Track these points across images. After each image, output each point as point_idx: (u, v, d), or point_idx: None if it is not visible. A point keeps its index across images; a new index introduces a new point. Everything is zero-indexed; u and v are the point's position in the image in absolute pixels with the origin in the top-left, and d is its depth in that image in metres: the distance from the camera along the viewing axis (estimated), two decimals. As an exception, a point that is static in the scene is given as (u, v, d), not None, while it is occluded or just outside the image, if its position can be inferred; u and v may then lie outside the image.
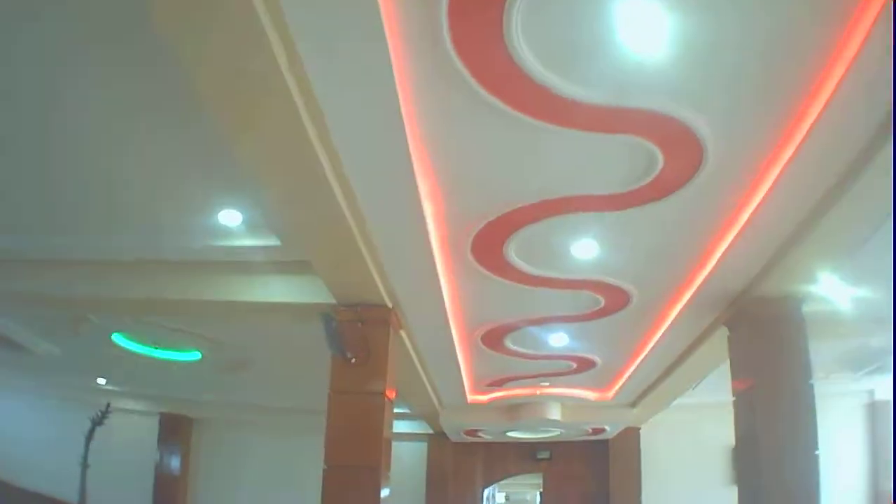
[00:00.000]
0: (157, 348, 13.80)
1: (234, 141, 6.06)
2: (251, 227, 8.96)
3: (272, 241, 9.22)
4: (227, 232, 9.07)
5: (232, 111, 5.68)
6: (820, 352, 12.37)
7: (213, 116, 5.71)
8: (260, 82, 5.21)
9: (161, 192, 8.29)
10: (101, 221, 9.04)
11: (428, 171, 6.95)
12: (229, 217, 8.70)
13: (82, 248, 9.63)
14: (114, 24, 5.38)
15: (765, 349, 9.84)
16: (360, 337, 9.74)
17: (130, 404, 18.25)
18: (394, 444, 10.83)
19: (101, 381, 16.54)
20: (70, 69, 6.04)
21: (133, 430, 18.38)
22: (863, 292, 9.95)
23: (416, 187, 6.96)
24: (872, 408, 18.20)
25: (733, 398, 10.50)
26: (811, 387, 9.60)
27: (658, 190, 7.37)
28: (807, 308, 9.78)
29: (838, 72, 5.39)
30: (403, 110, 5.80)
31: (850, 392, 17.67)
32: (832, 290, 9.68)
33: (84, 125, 6.89)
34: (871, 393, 18.04)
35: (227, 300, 10.12)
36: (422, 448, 21.02)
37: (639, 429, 20.05)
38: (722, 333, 11.00)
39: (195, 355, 14.14)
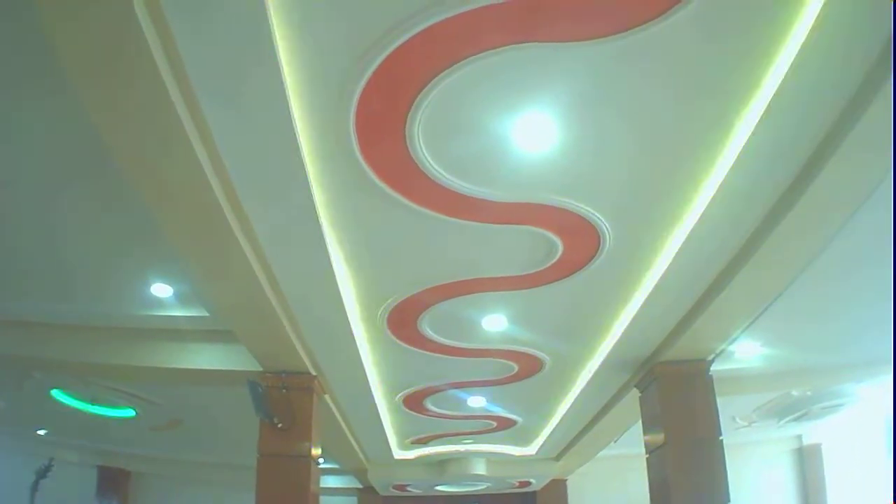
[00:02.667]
0: (93, 405, 13.90)
1: (169, 231, 6.40)
2: (181, 298, 9.21)
3: (201, 312, 9.48)
4: (159, 302, 9.31)
5: (167, 209, 6.04)
6: (740, 403, 12.84)
7: (150, 210, 6.01)
8: (188, 184, 5.55)
9: (98, 265, 8.48)
10: (43, 288, 9.19)
11: (343, 256, 7.35)
12: (160, 289, 8.96)
13: (24, 311, 9.77)
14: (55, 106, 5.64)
15: (674, 408, 10.08)
16: (286, 403, 9.95)
17: (69, 456, 17.75)
18: (324, 498, 11.10)
19: (42, 432, 16.44)
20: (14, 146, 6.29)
21: (72, 482, 17.97)
22: (773, 349, 10.40)
23: (331, 269, 7.29)
24: (800, 452, 18.36)
25: (646, 454, 10.75)
26: (721, 442, 9.80)
27: (560, 271, 7.80)
28: (719, 366, 10.04)
29: (732, 152, 5.74)
30: (317, 201, 6.18)
31: (777, 438, 17.82)
32: (743, 349, 10.13)
33: (28, 200, 7.14)
34: (800, 438, 18.20)
35: (160, 366, 10.25)
36: (352, 502, 20.71)
37: (565, 480, 19.90)
38: (634, 394, 11.27)
39: (129, 412, 14.16)
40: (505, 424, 14.64)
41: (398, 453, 16.87)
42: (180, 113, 4.78)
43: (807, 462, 18.23)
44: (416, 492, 19.94)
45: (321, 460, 10.73)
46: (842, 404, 13.93)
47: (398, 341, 9.62)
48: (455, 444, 16.55)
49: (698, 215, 6.58)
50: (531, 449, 17.04)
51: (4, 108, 5.75)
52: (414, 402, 12.70)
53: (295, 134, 5.23)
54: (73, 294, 9.39)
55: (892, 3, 4.17)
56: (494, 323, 9.20)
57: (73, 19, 3.97)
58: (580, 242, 7.21)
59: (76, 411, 13.89)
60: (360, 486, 19.88)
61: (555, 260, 7.54)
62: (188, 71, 4.57)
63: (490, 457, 17.71)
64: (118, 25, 4.01)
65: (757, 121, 5.33)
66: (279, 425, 9.94)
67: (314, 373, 10.34)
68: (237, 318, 8.63)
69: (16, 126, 6.00)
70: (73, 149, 6.19)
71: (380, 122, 5.40)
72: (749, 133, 5.46)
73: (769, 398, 13.77)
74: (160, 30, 4.18)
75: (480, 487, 19.78)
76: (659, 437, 10.20)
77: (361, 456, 16.42)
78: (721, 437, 9.86)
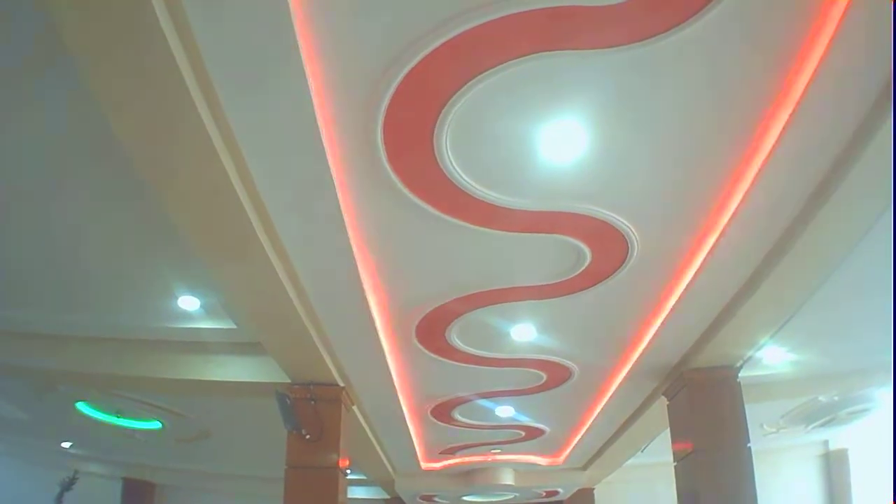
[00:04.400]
0: (119, 417, 13.92)
1: (194, 241, 6.41)
2: (209, 311, 9.23)
3: (229, 324, 9.50)
4: (186, 315, 9.34)
5: (191, 218, 6.04)
6: (768, 409, 12.74)
7: (174, 219, 6.03)
8: (213, 193, 5.56)
9: (126, 278, 8.54)
10: (67, 299, 9.24)
11: (370, 266, 7.33)
12: (188, 302, 8.98)
13: (47, 322, 9.79)
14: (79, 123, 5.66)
15: (702, 416, 10.02)
16: (314, 414, 9.93)
17: (94, 468, 17.96)
18: (352, 509, 11.15)
19: (66, 444, 16.46)
20: (37, 161, 6.36)
21: (97, 494, 18.00)
22: (801, 355, 10.32)
23: (359, 282, 7.31)
24: (827, 458, 18.20)
25: (674, 463, 10.69)
26: (749, 450, 9.74)
27: (588, 280, 7.78)
28: (746, 373, 9.98)
29: (759, 158, 5.74)
30: (345, 211, 6.18)
31: (804, 444, 17.68)
32: (771, 355, 10.02)
33: (52, 209, 7.17)
34: (826, 443, 18.04)
35: (187, 378, 10.26)
36: (379, 513, 20.56)
37: (592, 489, 19.70)
38: (662, 402, 11.21)
39: (155, 424, 14.20)
40: (533, 434, 14.59)
41: (425, 464, 16.83)
42: (206, 122, 4.80)
43: (833, 467, 18.09)
44: (443, 502, 19.77)
45: (348, 471, 10.70)
46: (868, 409, 13.95)
47: (427, 351, 9.60)
48: (483, 454, 16.50)
49: (725, 222, 6.59)
50: (559, 458, 16.99)
51: (15, 105, 5.74)
52: (442, 413, 12.67)
53: (322, 143, 5.25)
54: (99, 306, 9.43)
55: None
56: (523, 332, 9.17)
57: (83, 8, 3.93)
58: (608, 250, 7.20)
59: (101, 424, 13.91)
60: (388, 497, 19.70)
61: (583, 268, 7.53)
62: (213, 82, 4.60)
63: (517, 467, 17.64)
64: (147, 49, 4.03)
65: (783, 126, 5.33)
66: (307, 437, 9.93)
67: (342, 384, 10.34)
68: (265, 330, 8.64)
69: (37, 134, 6.03)
70: (102, 160, 6.21)
71: (407, 132, 5.41)
72: (776, 139, 5.46)
73: (796, 404, 13.70)
74: (181, 31, 4.19)
75: (508, 497, 19.68)
76: (687, 446, 10.16)
77: (389, 467, 16.38)
78: (749, 445, 9.81)
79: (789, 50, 4.75)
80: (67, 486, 15.35)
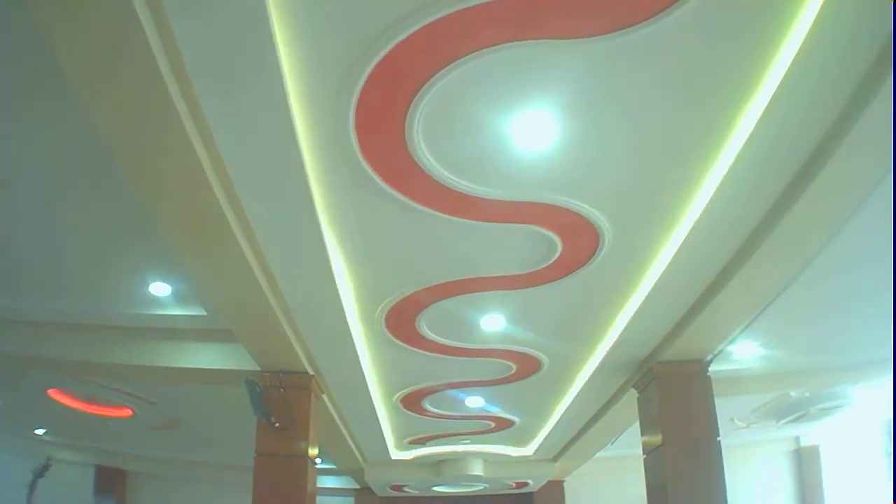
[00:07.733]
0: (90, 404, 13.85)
1: (165, 228, 6.42)
2: (179, 297, 9.22)
3: (199, 311, 9.47)
4: (157, 301, 9.32)
5: (163, 205, 6.04)
6: (739, 403, 12.81)
7: (146, 206, 6.06)
8: (185, 180, 5.55)
9: (96, 263, 8.49)
10: (39, 286, 9.20)
11: (340, 254, 7.33)
12: (159, 288, 8.97)
13: (20, 309, 9.76)
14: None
15: (672, 409, 10.04)
16: (284, 402, 9.93)
17: (67, 455, 17.73)
18: (321, 499, 11.10)
19: (40, 431, 16.40)
20: (11, 144, 6.30)
21: (69, 481, 17.86)
22: (772, 350, 10.38)
23: (329, 268, 7.27)
24: (798, 454, 18.32)
25: (643, 455, 10.71)
26: (718, 443, 9.79)
27: (559, 270, 7.78)
28: (717, 367, 10.01)
29: (731, 150, 5.73)
30: (316, 200, 6.17)
31: (775, 439, 17.75)
32: (741, 349, 10.12)
33: (25, 197, 7.15)
34: (797, 439, 18.16)
35: (157, 365, 10.25)
36: (349, 503, 20.57)
37: (562, 481, 19.82)
38: (632, 394, 11.21)
39: (127, 412, 14.16)
40: (503, 425, 14.62)
41: (395, 454, 16.81)
42: (180, 111, 4.79)
43: (805, 463, 18.20)
44: (413, 492, 19.79)
45: (318, 460, 10.72)
46: (839, 406, 13.91)
47: (396, 341, 9.60)
48: (453, 444, 16.52)
49: (697, 214, 6.56)
50: (529, 450, 16.99)
51: (2, 105, 5.74)
52: (412, 403, 12.68)
53: (294, 132, 5.23)
54: (70, 292, 9.39)
55: (893, 3, 4.17)
56: (493, 322, 9.18)
57: (72, 19, 3.96)
58: (579, 241, 7.20)
59: (74, 410, 13.84)
60: (357, 487, 19.73)
61: (554, 259, 7.53)
62: (188, 68, 4.56)
63: (487, 457, 17.65)
64: (118, 24, 4.00)
65: (757, 119, 5.31)
66: (276, 425, 9.93)
67: (312, 372, 10.33)
68: (235, 317, 8.61)
69: (14, 123, 5.99)
70: (71, 146, 6.19)
71: (379, 121, 5.39)
72: (749, 131, 5.44)
73: (767, 399, 13.75)
74: (160, 27, 4.18)
75: (478, 488, 19.68)
76: (656, 438, 10.17)
77: (359, 456, 16.39)
78: (719, 438, 9.84)
79: (768, 39, 4.75)
80: (40, 473, 15.30)
